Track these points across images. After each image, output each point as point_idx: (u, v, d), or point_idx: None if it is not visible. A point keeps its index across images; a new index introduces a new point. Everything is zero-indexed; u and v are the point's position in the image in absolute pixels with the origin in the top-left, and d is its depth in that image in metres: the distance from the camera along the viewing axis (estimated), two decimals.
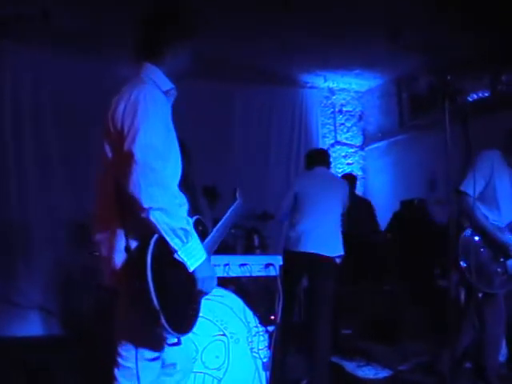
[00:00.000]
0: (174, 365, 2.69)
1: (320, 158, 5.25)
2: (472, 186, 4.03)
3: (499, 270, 4.09)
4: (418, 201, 7.09)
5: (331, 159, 5.72)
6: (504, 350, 5.06)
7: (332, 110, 9.07)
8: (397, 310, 6.30)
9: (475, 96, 6.94)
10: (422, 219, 6.83)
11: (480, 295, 4.08)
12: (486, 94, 6.86)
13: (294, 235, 4.83)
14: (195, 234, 2.45)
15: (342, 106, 9.13)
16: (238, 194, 3.19)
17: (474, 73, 7.02)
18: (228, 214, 3.05)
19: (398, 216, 7.27)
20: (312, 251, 4.71)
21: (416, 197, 7.25)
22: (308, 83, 8.63)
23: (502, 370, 4.99)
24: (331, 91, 8.99)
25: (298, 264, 4.77)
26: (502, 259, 4.11)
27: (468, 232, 4.11)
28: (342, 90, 9.02)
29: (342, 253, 4.81)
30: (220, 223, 2.95)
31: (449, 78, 7.87)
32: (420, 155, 7.82)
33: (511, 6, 5.55)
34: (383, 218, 7.56)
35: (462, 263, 4.03)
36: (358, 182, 7.98)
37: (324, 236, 4.77)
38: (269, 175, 7.03)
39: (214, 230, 2.87)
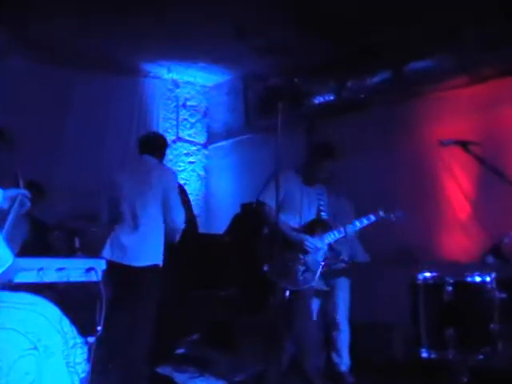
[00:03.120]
0: None
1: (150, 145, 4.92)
2: (270, 197, 4.40)
3: (301, 267, 4.49)
4: (257, 204, 6.98)
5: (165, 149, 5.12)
6: (346, 359, 5.44)
7: (175, 103, 8.70)
8: (233, 317, 6.12)
9: (321, 99, 6.95)
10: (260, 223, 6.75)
11: (287, 294, 4.36)
12: (332, 98, 6.88)
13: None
14: None
15: (187, 101, 8.79)
16: (20, 182, 2.88)
17: (320, 77, 7.07)
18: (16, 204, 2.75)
19: (238, 219, 7.14)
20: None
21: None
22: (150, 73, 8.23)
23: (348, 379, 5.32)
24: (175, 83, 8.65)
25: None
26: (301, 257, 4.50)
27: (268, 237, 4.49)
28: (187, 83, 8.72)
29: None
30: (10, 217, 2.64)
31: (296, 80, 7.98)
32: (264, 157, 7.73)
33: (361, 15, 5.74)
34: (225, 220, 7.44)
35: (264, 267, 4.31)
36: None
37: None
38: (102, 172, 6.42)
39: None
